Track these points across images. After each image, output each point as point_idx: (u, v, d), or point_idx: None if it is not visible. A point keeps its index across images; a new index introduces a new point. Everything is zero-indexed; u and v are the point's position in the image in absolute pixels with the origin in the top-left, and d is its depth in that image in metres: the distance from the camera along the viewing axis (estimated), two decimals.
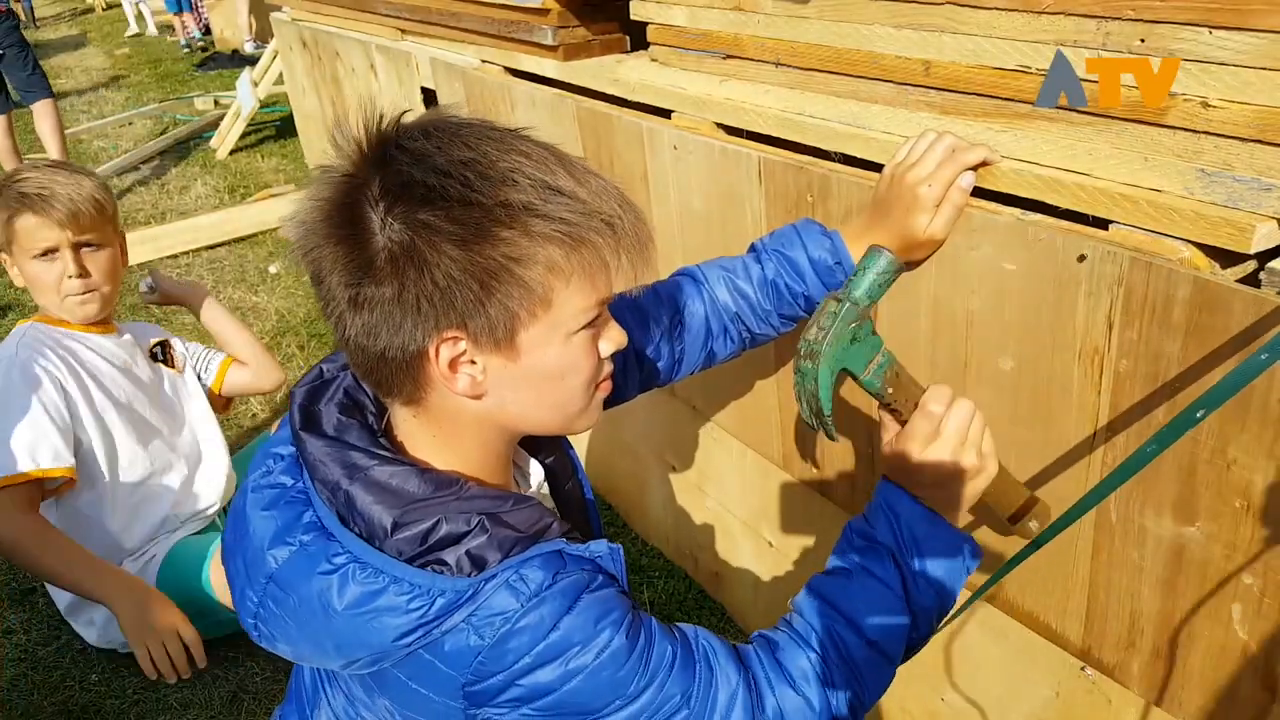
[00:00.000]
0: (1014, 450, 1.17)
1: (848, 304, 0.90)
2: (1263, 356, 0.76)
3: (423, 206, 0.71)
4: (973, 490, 0.94)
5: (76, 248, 1.88)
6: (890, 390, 0.94)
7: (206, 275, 4.08)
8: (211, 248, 4.31)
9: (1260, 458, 0.91)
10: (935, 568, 0.92)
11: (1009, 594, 1.28)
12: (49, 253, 1.87)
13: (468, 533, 0.77)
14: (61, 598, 2.03)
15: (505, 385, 0.80)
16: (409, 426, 0.86)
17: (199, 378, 2.24)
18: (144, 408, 2.03)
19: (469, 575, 0.76)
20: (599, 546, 0.84)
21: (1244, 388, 0.79)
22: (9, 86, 4.73)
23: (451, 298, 0.73)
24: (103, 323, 2.02)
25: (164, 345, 2.18)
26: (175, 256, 4.27)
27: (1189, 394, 0.95)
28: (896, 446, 0.95)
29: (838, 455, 1.51)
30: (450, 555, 0.77)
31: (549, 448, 1.06)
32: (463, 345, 0.76)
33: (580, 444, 2.46)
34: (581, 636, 0.77)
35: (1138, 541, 1.07)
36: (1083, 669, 1.22)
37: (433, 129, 0.74)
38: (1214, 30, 0.89)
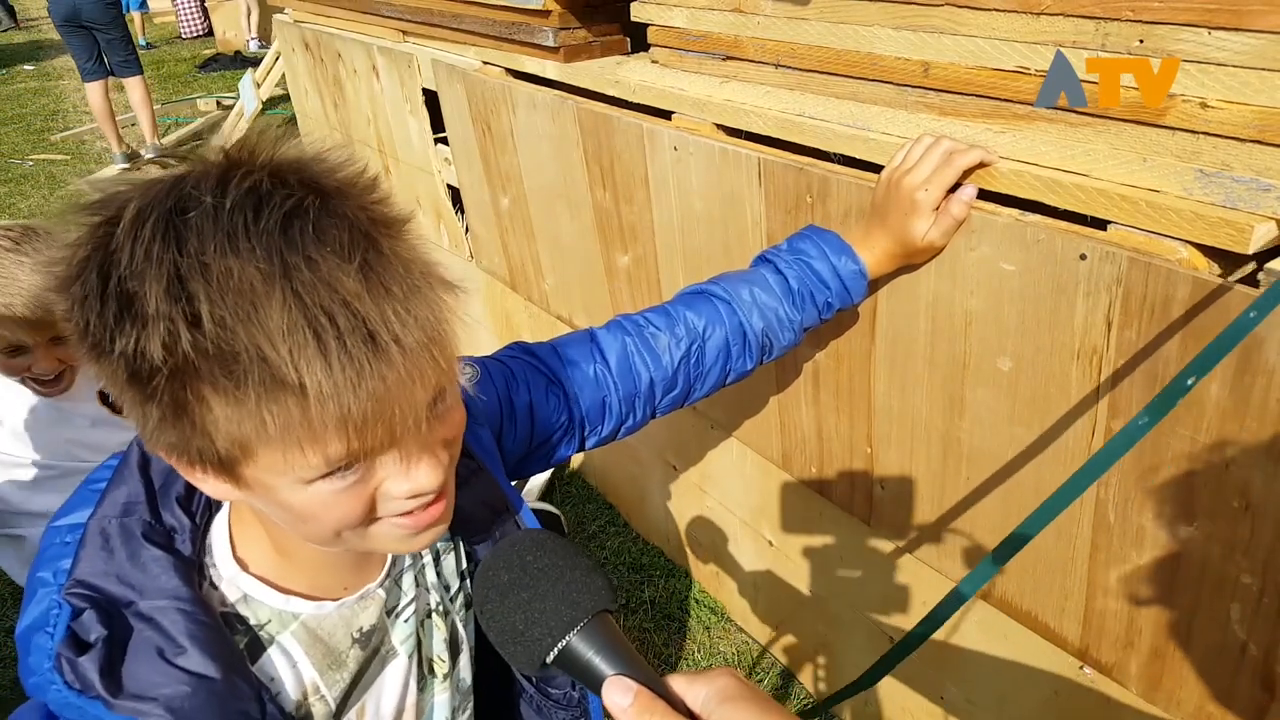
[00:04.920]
0: (1013, 450, 1.17)
1: None
2: (1251, 314, 0.76)
3: (119, 317, 0.54)
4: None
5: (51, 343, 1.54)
6: None
7: None
8: None
9: (1259, 457, 0.91)
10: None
11: (1008, 594, 1.28)
12: (16, 350, 1.52)
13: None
14: None
15: (257, 502, 0.64)
16: None
17: None
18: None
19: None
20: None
21: (1232, 349, 0.78)
22: (107, 61, 5.62)
23: (140, 422, 0.58)
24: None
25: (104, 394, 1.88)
26: None
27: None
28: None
29: (838, 455, 1.51)
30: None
31: (479, 528, 0.83)
32: (184, 462, 0.60)
33: None
34: None
35: (1136, 541, 1.07)
36: (1081, 668, 1.22)
37: (188, 206, 0.54)
38: (1213, 31, 0.89)
